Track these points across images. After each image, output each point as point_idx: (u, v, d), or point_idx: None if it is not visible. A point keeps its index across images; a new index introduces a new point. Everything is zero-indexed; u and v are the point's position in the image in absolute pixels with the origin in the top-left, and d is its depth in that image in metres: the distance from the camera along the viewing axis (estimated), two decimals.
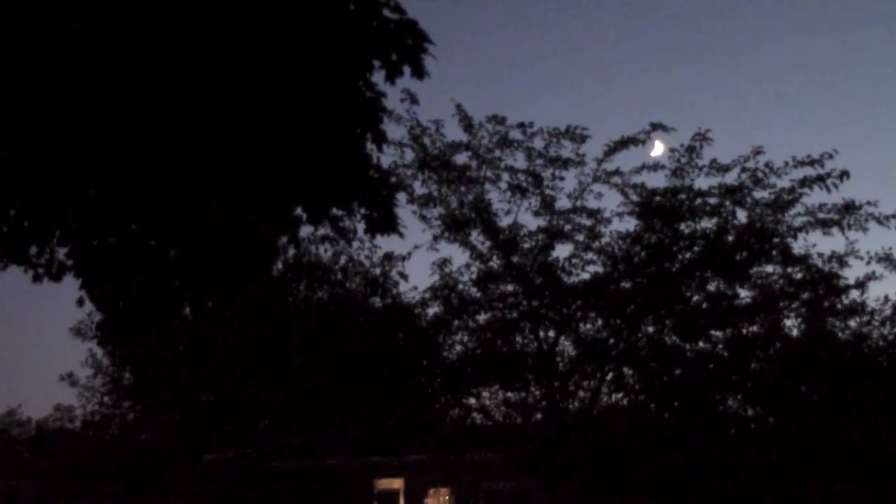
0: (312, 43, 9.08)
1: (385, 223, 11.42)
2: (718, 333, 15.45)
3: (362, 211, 11.41)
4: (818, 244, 15.43)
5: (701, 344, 15.29)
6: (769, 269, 15.36)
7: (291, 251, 17.55)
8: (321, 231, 15.47)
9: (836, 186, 14.46)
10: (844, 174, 14.46)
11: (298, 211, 11.57)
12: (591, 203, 16.23)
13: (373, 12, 9.33)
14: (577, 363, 16.00)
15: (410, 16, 9.82)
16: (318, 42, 9.11)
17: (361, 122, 10.00)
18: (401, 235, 11.79)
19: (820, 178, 14.58)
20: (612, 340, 15.99)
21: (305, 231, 15.05)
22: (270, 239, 11.74)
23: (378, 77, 10.41)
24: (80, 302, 13.82)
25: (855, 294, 15.18)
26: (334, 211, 11.68)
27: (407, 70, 10.11)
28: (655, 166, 15.68)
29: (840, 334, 15.10)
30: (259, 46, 8.63)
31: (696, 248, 15.39)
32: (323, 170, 10.17)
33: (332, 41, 9.18)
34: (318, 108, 9.15)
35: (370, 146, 10.90)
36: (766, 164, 14.93)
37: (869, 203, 15.03)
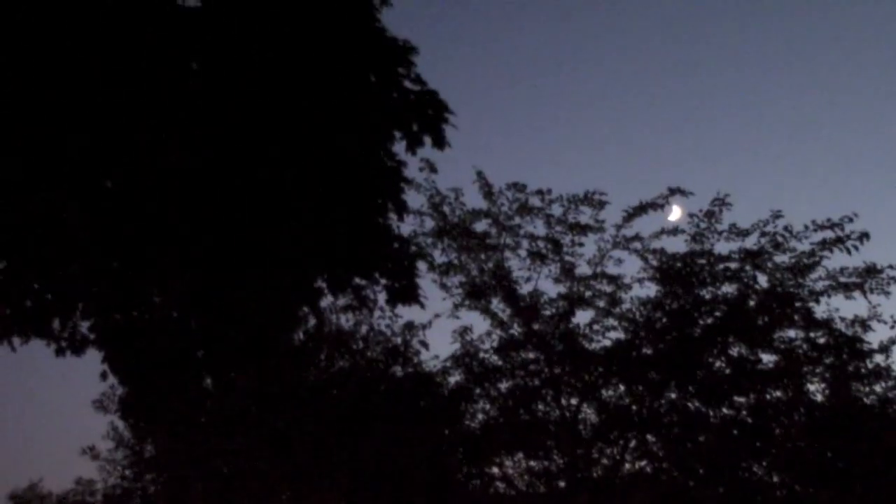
0: (335, 114, 9.21)
1: (406, 293, 11.45)
2: (742, 399, 15.32)
3: (383, 281, 11.45)
4: (841, 308, 15.39)
5: (725, 410, 15.16)
6: (791, 333, 15.29)
7: (312, 321, 17.62)
8: (342, 300, 15.57)
9: (856, 248, 14.47)
10: (864, 236, 14.47)
11: (320, 282, 11.62)
12: (611, 269, 16.27)
13: (394, 83, 9.48)
14: (600, 430, 15.90)
15: (430, 85, 9.95)
16: (341, 114, 9.24)
17: (382, 193, 10.10)
18: (422, 305, 11.81)
19: (839, 241, 14.60)
20: (634, 407, 15.89)
21: (326, 300, 15.12)
22: (291, 311, 11.79)
23: (399, 147, 10.56)
24: (104, 375, 13.85)
25: (879, 358, 15.08)
26: (356, 281, 11.73)
27: (427, 139, 10.25)
28: (675, 231, 15.75)
29: (865, 399, 14.96)
30: (283, 120, 8.75)
31: (717, 314, 15.36)
32: (345, 240, 10.24)
33: (353, 113, 9.32)
34: (339, 179, 9.25)
35: (391, 216, 10.99)
36: (786, 228, 14.97)
37: (891, 266, 15.03)
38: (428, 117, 9.60)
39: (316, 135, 8.97)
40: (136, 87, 8.08)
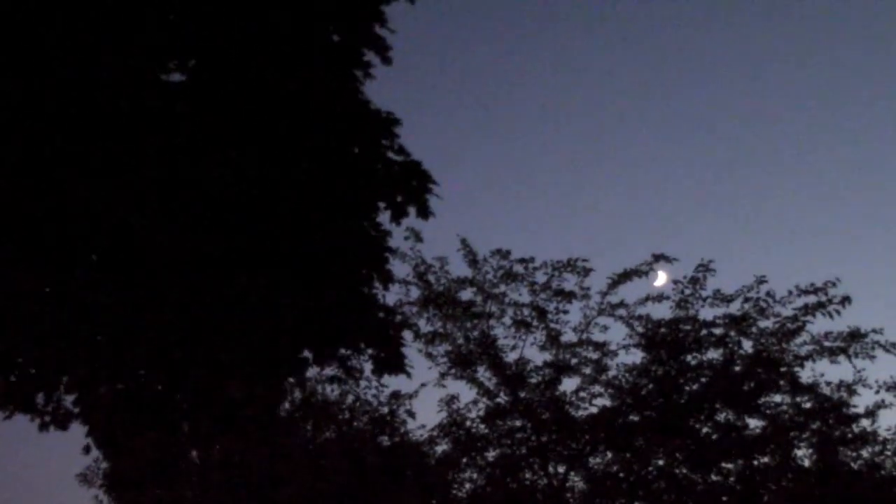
0: (318, 188, 9.27)
1: (392, 363, 11.43)
2: (729, 465, 15.29)
3: (369, 351, 11.43)
4: (826, 372, 15.39)
5: (713, 476, 15.13)
6: (778, 398, 15.31)
7: (297, 392, 17.57)
8: (328, 371, 15.53)
9: (838, 313, 14.59)
10: (846, 300, 14.60)
11: (305, 352, 11.57)
12: (597, 336, 16.27)
13: (377, 155, 9.57)
14: (588, 498, 15.82)
15: (414, 154, 10.02)
16: (324, 187, 9.31)
17: (367, 263, 10.13)
18: (408, 375, 11.78)
19: (821, 305, 14.72)
20: (622, 474, 15.83)
21: (312, 371, 15.04)
22: (277, 382, 11.75)
23: (385, 216, 10.61)
24: (87, 449, 13.73)
25: (865, 423, 15.09)
26: (341, 351, 11.71)
27: (412, 210, 10.30)
28: (660, 297, 15.82)
29: (853, 464, 14.95)
30: (267, 193, 8.81)
31: (703, 379, 15.38)
32: (330, 312, 10.25)
33: (338, 186, 9.38)
34: (323, 251, 9.30)
35: (376, 285, 11.01)
36: (768, 293, 15.08)
37: (874, 331, 15.10)
38: (412, 188, 9.68)
39: (301, 206, 9.04)
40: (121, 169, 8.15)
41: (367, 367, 12.07)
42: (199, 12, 8.53)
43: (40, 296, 9.82)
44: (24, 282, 9.30)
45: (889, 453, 15.04)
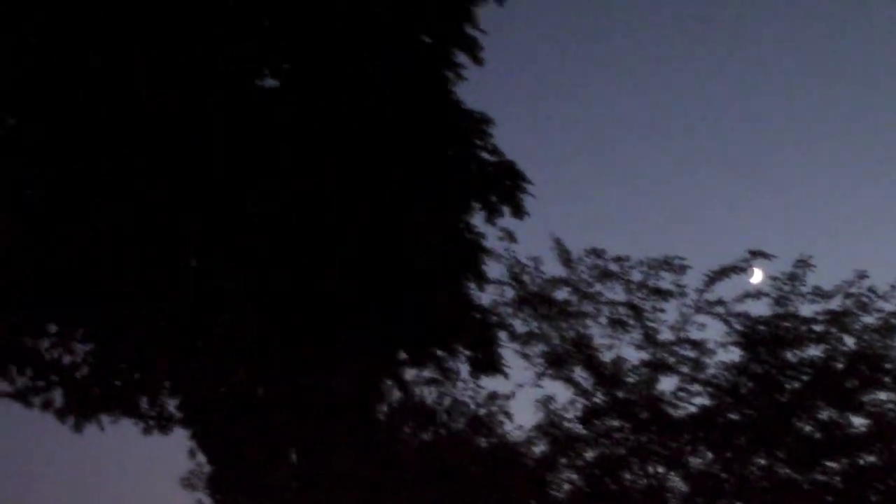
0: (413, 189, 9.38)
1: (489, 363, 11.48)
2: (834, 464, 15.01)
3: (466, 352, 11.49)
4: None
5: (816, 476, 14.86)
6: (882, 396, 14.98)
7: (397, 394, 17.68)
8: (426, 373, 15.59)
9: None
10: None
11: (402, 354, 11.69)
12: (695, 334, 16.08)
13: (471, 155, 9.65)
14: (689, 498, 15.66)
15: (508, 154, 10.05)
16: (419, 188, 9.41)
17: (462, 264, 10.21)
18: (505, 375, 11.79)
19: None
20: (723, 474, 15.64)
21: (411, 373, 15.13)
22: (375, 384, 11.87)
23: (480, 217, 10.66)
24: (192, 453, 13.96)
25: None
26: (437, 352, 11.79)
27: (506, 210, 10.34)
28: (758, 294, 15.60)
29: None
30: (367, 196, 8.93)
31: (804, 377, 15.12)
32: (426, 313, 10.34)
33: (432, 187, 9.48)
34: (420, 252, 9.39)
35: (471, 287, 11.07)
36: (869, 288, 14.79)
37: None
38: (506, 188, 9.73)
39: (396, 207, 9.15)
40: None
41: (464, 368, 12.14)
42: (291, 20, 8.71)
43: (142, 305, 10.08)
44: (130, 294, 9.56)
45: None
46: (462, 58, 9.55)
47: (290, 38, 8.71)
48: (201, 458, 14.40)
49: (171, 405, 12.48)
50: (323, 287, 9.57)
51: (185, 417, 12.51)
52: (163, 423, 12.58)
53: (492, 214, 10.12)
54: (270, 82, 9.15)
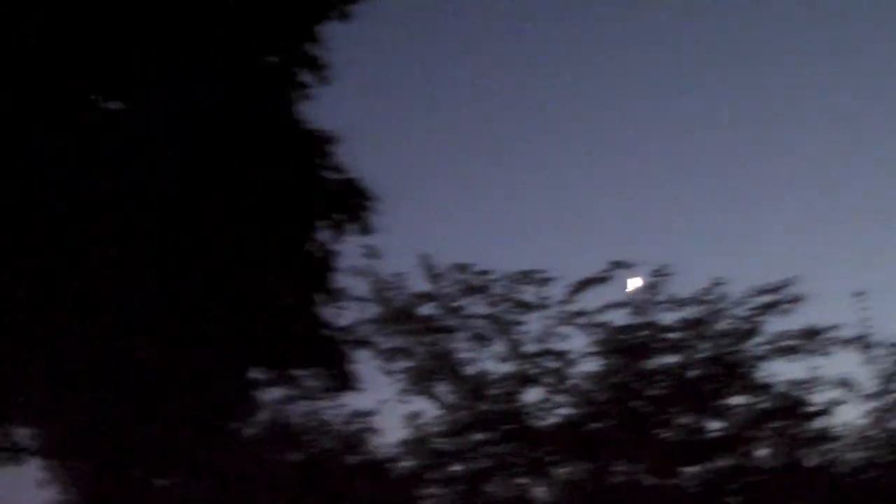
0: (255, 209, 9.30)
1: (342, 381, 11.44)
2: (694, 469, 15.37)
3: (318, 370, 11.44)
4: (785, 372, 15.48)
5: (675, 480, 15.19)
6: (736, 400, 15.40)
7: (264, 414, 17.46)
8: (287, 391, 15.44)
9: (789, 312, 14.78)
10: (797, 298, 14.80)
11: (256, 374, 11.56)
12: (559, 345, 16.27)
13: (312, 174, 9.62)
14: None
15: (362, 172, 10.05)
16: (262, 208, 9.33)
17: (310, 283, 10.16)
18: (357, 392, 11.77)
19: (773, 304, 14.90)
20: (587, 483, 15.86)
21: (275, 394, 14.84)
22: (229, 402, 11.70)
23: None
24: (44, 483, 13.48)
25: (823, 421, 15.18)
26: (293, 372, 11.69)
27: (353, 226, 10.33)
28: (622, 304, 15.88)
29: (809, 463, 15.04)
30: (202, 222, 8.82)
31: (662, 384, 15.45)
32: (275, 332, 10.25)
33: (273, 207, 9.40)
34: (262, 273, 9.31)
35: (322, 304, 11.02)
36: (722, 296, 15.21)
37: (831, 328, 15.23)
38: (350, 206, 9.73)
39: (236, 228, 9.06)
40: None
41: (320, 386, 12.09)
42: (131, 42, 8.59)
43: None
44: None
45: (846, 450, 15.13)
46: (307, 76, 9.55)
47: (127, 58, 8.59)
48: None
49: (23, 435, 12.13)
50: (175, 306, 9.43)
51: (41, 448, 12.19)
52: (15, 453, 12.23)
53: (338, 232, 10.09)
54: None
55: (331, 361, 10.70)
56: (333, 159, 9.65)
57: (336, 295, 10.91)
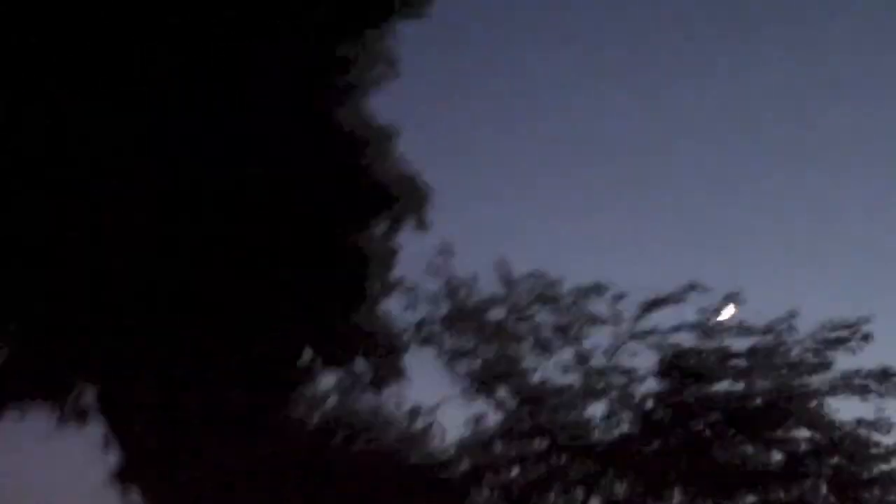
0: (317, 204, 9.50)
1: (390, 374, 11.61)
2: (749, 497, 15.17)
3: (369, 361, 11.63)
4: (852, 410, 15.14)
5: None
6: (798, 433, 15.15)
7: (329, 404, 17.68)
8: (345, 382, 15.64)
9: (857, 350, 14.51)
10: (867, 336, 14.50)
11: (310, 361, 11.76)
12: (625, 361, 16.21)
13: (372, 169, 9.81)
14: None
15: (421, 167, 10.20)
16: (324, 203, 9.53)
17: (359, 279, 10.31)
18: (404, 387, 11.90)
19: (842, 340, 14.62)
20: (642, 501, 15.77)
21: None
22: (282, 387, 11.95)
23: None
24: (106, 445, 13.90)
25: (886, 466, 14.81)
26: (350, 362, 11.89)
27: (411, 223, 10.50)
28: (691, 326, 15.76)
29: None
30: (263, 222, 9.06)
31: (723, 410, 15.29)
32: (330, 324, 10.47)
33: (335, 201, 9.60)
34: (319, 269, 9.50)
35: (378, 299, 11.22)
36: (791, 327, 14.98)
37: None
38: (407, 201, 9.88)
39: (295, 223, 9.28)
40: None
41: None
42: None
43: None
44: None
45: None
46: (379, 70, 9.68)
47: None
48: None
49: (89, 396, 12.54)
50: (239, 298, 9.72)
51: (102, 408, 12.58)
52: (80, 414, 12.64)
53: (394, 227, 10.26)
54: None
55: (378, 353, 10.86)
56: (394, 153, 9.78)
57: (392, 289, 11.05)
